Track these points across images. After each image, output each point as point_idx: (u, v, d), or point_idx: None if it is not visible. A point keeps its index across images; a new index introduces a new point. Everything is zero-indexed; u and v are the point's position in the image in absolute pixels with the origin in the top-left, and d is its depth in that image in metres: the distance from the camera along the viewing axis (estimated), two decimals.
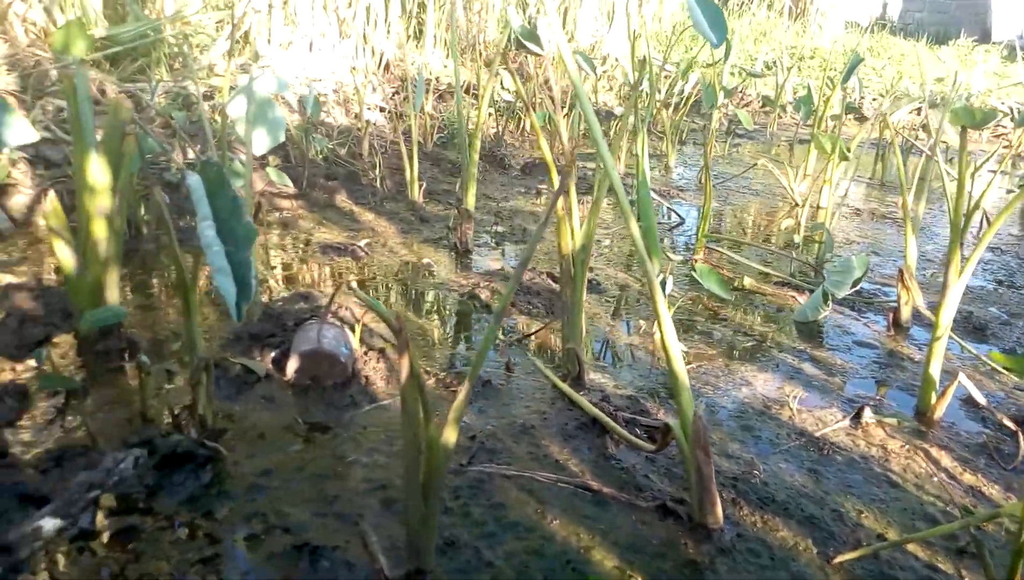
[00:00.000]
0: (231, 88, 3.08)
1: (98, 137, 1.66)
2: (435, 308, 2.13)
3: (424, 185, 3.16)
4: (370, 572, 1.09)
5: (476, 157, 2.52)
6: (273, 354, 1.70)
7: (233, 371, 1.60)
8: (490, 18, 6.30)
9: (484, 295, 2.16)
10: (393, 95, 4.85)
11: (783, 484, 1.40)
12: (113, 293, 1.72)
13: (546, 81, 5.63)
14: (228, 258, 1.06)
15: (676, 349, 1.17)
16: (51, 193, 1.62)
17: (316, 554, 1.10)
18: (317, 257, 2.43)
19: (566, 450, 1.44)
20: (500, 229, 2.88)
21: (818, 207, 3.47)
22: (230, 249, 1.07)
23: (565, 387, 1.62)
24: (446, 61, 5.64)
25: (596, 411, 1.49)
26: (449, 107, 4.94)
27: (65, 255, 1.66)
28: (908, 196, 3.43)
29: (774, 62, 7.20)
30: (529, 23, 6.26)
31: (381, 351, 1.75)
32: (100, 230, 1.67)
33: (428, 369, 1.73)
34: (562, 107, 5.21)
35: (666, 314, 1.15)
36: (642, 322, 2.07)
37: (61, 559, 1.05)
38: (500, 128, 4.52)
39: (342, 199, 3.04)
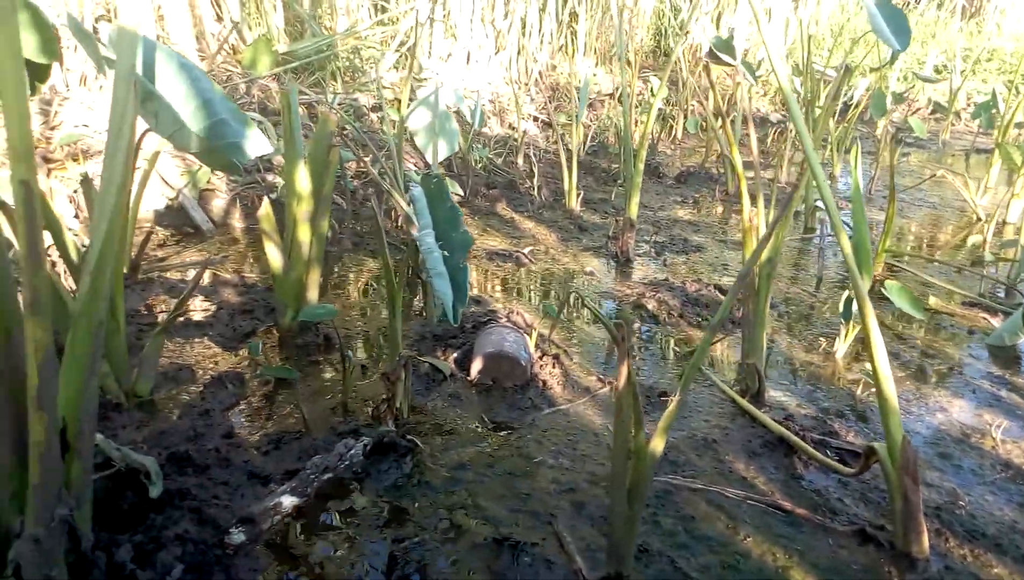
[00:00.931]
0: (410, 100, 3.24)
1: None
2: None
3: (581, 194, 3.19)
4: (568, 572, 1.12)
5: (641, 167, 2.53)
6: (455, 355, 1.78)
7: (422, 369, 1.69)
8: (639, 25, 6.28)
9: (651, 305, 2.16)
10: (545, 104, 4.94)
11: (992, 518, 1.31)
12: (313, 292, 1.87)
13: (684, 84, 5.54)
14: (445, 263, 1.13)
15: (887, 371, 1.13)
16: (265, 199, 1.78)
17: (517, 549, 1.15)
18: (484, 262, 2.52)
19: (752, 468, 1.42)
20: (659, 239, 2.86)
21: (1004, 222, 3.21)
22: (447, 255, 1.13)
23: (746, 404, 1.59)
24: (595, 69, 5.68)
25: (783, 430, 1.46)
26: (599, 115, 4.97)
27: (273, 255, 1.81)
28: None
29: (944, 65, 6.72)
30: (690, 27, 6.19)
31: (555, 357, 1.78)
32: (304, 234, 1.81)
33: (602, 377, 1.75)
34: (717, 115, 5.10)
35: (877, 334, 1.12)
36: (822, 339, 2.00)
37: (292, 533, 1.15)
38: (654, 137, 4.49)
39: (502, 207, 3.13)
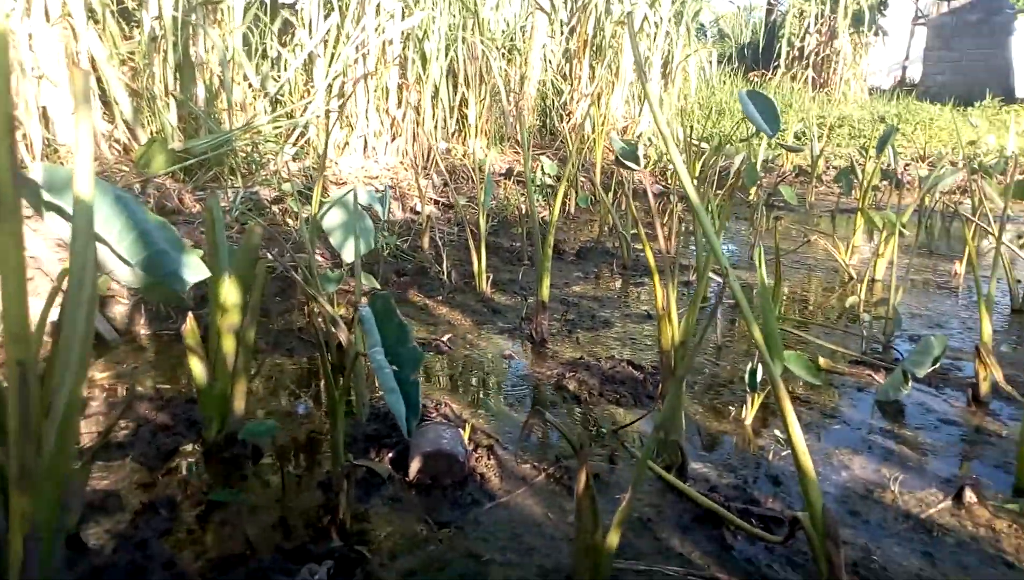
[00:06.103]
0: (321, 200, 3.27)
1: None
2: (526, 400, 2.22)
3: (491, 276, 3.30)
4: None
5: (550, 250, 2.66)
6: (390, 455, 1.80)
7: (358, 474, 1.70)
8: (524, 106, 6.60)
9: (571, 386, 2.25)
10: (444, 187, 5.07)
11: (901, 569, 1.44)
12: (240, 403, 1.84)
13: (571, 161, 5.84)
14: (396, 378, 1.17)
15: (802, 445, 1.25)
16: (189, 315, 1.77)
17: None
18: None
19: (687, 543, 1.50)
20: (570, 317, 2.98)
21: (873, 281, 3.55)
22: (397, 371, 1.18)
23: (674, 480, 1.69)
24: (486, 150, 5.92)
25: (712, 504, 1.56)
26: (496, 195, 5.14)
27: (198, 370, 1.78)
28: (961, 266, 3.49)
29: (803, 132, 7.39)
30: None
31: (489, 448, 1.83)
32: (230, 345, 1.80)
33: (535, 463, 1.81)
34: (606, 190, 5.38)
35: (792, 414, 1.24)
36: (730, 408, 2.14)
37: None
38: (554, 214, 4.67)
39: (414, 294, 3.18)
